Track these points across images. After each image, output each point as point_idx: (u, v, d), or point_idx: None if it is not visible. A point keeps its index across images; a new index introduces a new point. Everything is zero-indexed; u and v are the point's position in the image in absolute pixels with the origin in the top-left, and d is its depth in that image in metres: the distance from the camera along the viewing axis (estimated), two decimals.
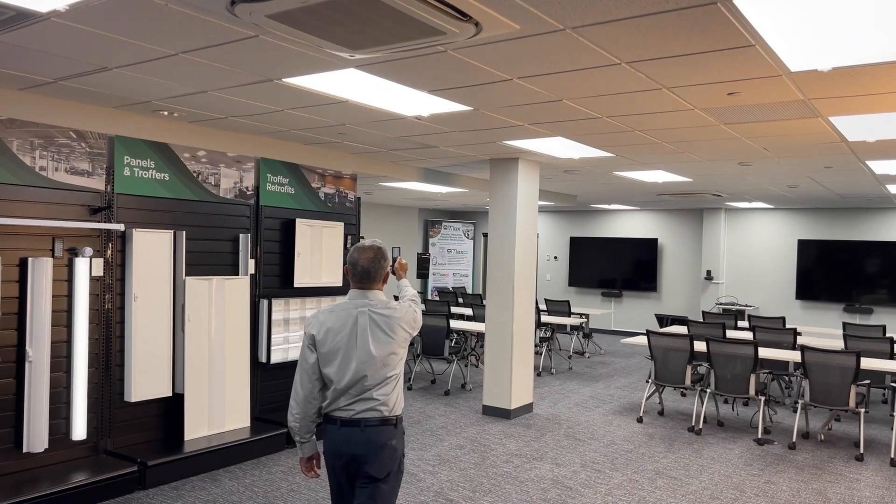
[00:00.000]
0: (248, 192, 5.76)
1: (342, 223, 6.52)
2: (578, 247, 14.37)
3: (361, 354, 2.54)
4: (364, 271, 2.59)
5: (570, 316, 10.64)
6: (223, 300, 5.36)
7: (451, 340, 8.05)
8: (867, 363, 5.86)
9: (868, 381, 5.98)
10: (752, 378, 6.14)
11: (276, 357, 5.91)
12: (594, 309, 13.83)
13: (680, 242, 13.34)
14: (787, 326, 7.87)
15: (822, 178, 7.57)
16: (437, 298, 12.82)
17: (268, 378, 5.97)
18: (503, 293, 6.80)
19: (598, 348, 11.65)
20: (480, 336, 8.41)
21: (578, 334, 11.21)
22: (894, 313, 11.08)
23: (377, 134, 5.63)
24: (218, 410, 5.30)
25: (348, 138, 5.86)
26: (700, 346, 6.58)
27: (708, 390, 6.47)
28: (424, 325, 7.82)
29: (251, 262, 5.75)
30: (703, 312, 9.62)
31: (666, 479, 5.08)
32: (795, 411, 6.38)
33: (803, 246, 11.86)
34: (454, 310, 10.59)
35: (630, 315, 13.84)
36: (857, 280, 11.36)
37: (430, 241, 15.21)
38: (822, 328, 10.42)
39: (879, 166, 6.54)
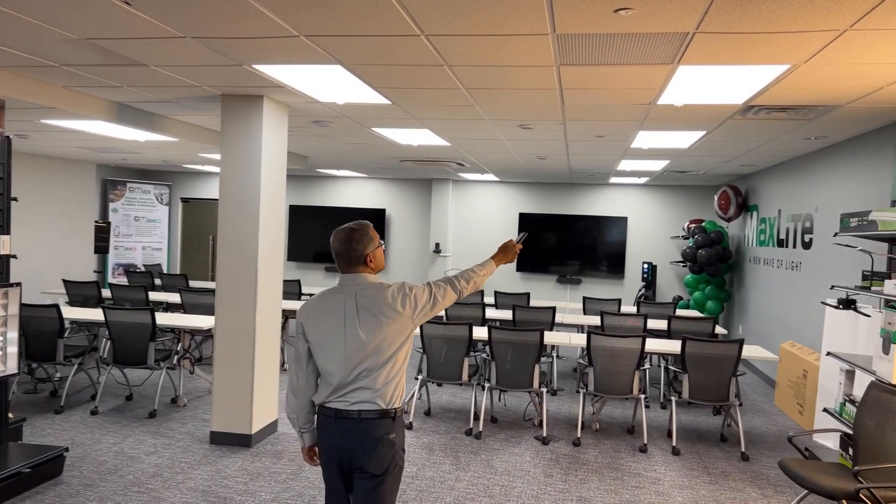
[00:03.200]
0: None
1: None
2: (299, 216, 12.80)
3: (351, 341, 2.42)
4: (336, 254, 2.49)
5: (300, 298, 9.12)
6: None
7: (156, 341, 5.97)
8: (653, 346, 5.57)
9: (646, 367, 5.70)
10: (536, 368, 5.45)
11: None
12: (321, 286, 12.47)
13: (408, 214, 12.65)
14: (545, 305, 7.48)
15: (578, 148, 7.24)
16: (126, 281, 10.16)
17: None
18: (242, 280, 5.05)
19: None
20: (196, 334, 6.43)
21: None
22: (601, 284, 11.84)
23: (44, 31, 3.44)
24: None
25: None
26: (481, 332, 5.69)
27: (487, 385, 5.62)
28: (116, 323, 5.63)
29: None
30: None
31: None
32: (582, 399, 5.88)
33: (524, 219, 12.03)
34: (153, 296, 8.28)
35: None
36: (570, 253, 11.88)
37: (111, 206, 12.23)
38: (562, 301, 10.59)
39: (646, 138, 6.32)
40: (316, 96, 4.92)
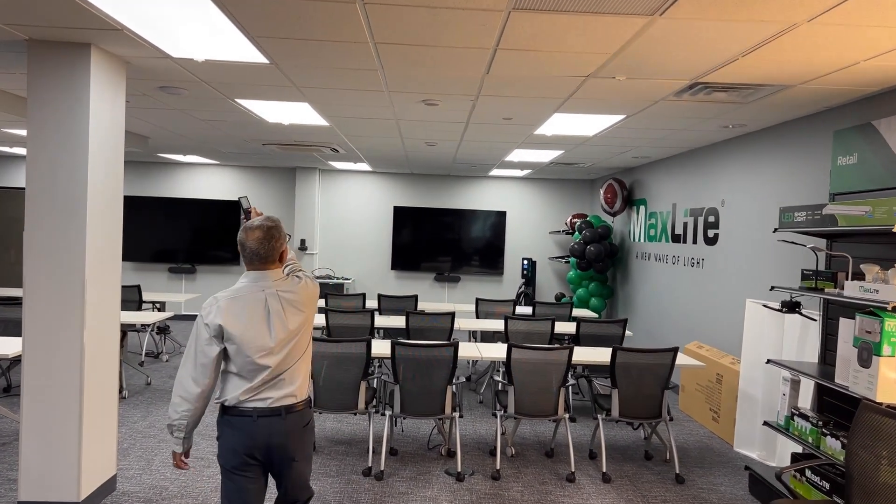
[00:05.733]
0: None
1: None
2: (135, 209, 10.97)
3: (281, 337, 2.44)
4: (253, 253, 2.45)
5: (140, 307, 7.58)
6: None
7: None
8: (580, 358, 4.89)
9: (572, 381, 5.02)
10: (448, 391, 4.58)
11: None
12: (165, 292, 10.80)
13: (268, 207, 11.27)
14: (441, 311, 6.63)
15: (476, 133, 6.46)
16: None
17: None
18: (62, 291, 3.70)
19: (178, 346, 8.80)
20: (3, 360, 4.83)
21: (152, 330, 8.20)
22: (480, 281, 11.23)
23: None
24: None
25: None
26: (384, 348, 4.71)
27: (388, 412, 4.66)
28: None
29: None
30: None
31: None
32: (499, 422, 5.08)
33: (399, 213, 11.14)
34: None
35: (210, 293, 11.20)
36: (448, 249, 11.16)
37: None
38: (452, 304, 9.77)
39: (555, 123, 5.66)
40: (166, 48, 3.68)
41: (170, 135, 7.39)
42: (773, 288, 4.16)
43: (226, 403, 2.44)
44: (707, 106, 4.77)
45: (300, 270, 2.67)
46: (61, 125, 3.67)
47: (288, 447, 2.46)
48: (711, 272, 6.50)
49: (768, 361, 4.39)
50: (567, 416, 4.71)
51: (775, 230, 4.24)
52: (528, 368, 4.59)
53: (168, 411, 2.44)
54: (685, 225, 7.18)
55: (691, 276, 6.96)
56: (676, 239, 7.42)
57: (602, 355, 5.14)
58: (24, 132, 7.48)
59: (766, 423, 4.36)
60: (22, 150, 9.81)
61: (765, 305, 4.78)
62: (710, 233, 6.55)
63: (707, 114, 5.05)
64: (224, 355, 2.43)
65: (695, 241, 6.91)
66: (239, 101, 5.19)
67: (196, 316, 10.94)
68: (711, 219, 6.54)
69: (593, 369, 5.85)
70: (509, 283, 11.28)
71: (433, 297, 11.27)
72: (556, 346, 4.67)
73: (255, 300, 2.42)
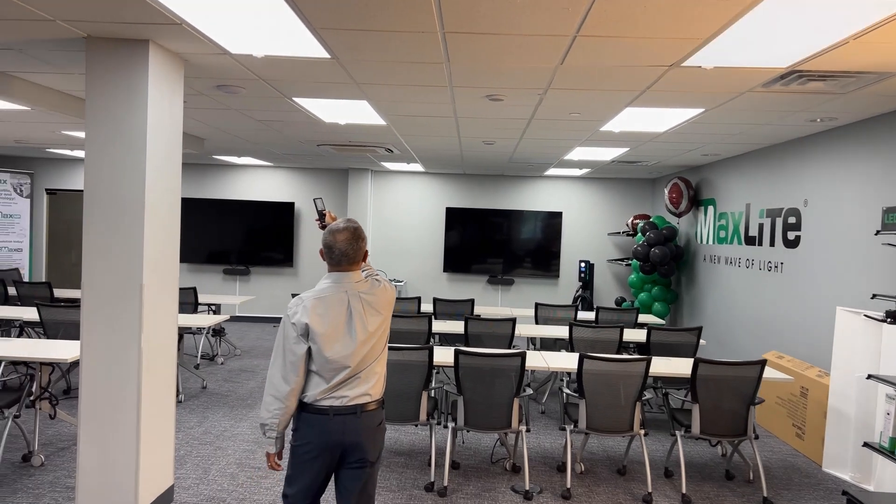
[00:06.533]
0: None
1: None
2: (191, 211, 11.04)
3: (361, 337, 2.50)
4: (342, 254, 2.52)
5: (196, 309, 7.55)
6: None
7: None
8: (657, 369, 4.57)
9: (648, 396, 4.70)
10: (515, 403, 4.32)
11: None
12: (219, 294, 10.85)
13: None
14: (504, 317, 6.36)
15: (539, 130, 6.18)
16: None
17: None
18: (120, 294, 3.59)
19: (233, 348, 8.77)
20: (60, 366, 4.75)
21: (207, 332, 8.18)
22: (535, 284, 10.92)
23: None
24: None
25: None
26: (444, 356, 4.48)
27: (451, 425, 4.42)
28: None
29: None
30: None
31: None
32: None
33: (451, 214, 10.91)
34: (3, 311, 6.46)
35: (264, 295, 11.19)
36: (501, 251, 10.88)
37: None
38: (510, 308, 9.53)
39: (625, 118, 5.33)
40: (225, 44, 3.53)
41: (225, 136, 7.33)
42: (874, 296, 3.78)
43: (304, 400, 2.50)
44: (797, 98, 4.38)
45: (376, 274, 2.68)
46: (119, 124, 3.55)
47: (362, 445, 2.51)
48: (792, 277, 6.06)
49: (869, 377, 3.98)
50: (643, 432, 4.39)
51: (878, 233, 3.84)
52: (602, 381, 4.29)
53: (260, 412, 2.50)
54: (761, 226, 6.74)
55: (769, 280, 6.52)
56: (750, 241, 6.98)
57: (678, 367, 4.80)
58: (84, 134, 7.53)
59: (866, 445, 3.96)
60: (80, 153, 9.96)
61: (866, 315, 4.36)
62: (791, 235, 6.11)
63: (796, 106, 4.66)
64: (309, 357, 2.49)
65: (772, 244, 6.47)
66: (296, 99, 5.03)
67: (253, 318, 10.95)
68: (792, 220, 6.10)
69: (667, 381, 5.50)
70: (565, 286, 10.93)
71: (487, 301, 11.01)
72: (632, 356, 4.36)
73: (338, 301, 2.49)
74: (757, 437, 4.40)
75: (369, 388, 2.53)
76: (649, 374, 4.46)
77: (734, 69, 3.72)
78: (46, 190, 11.34)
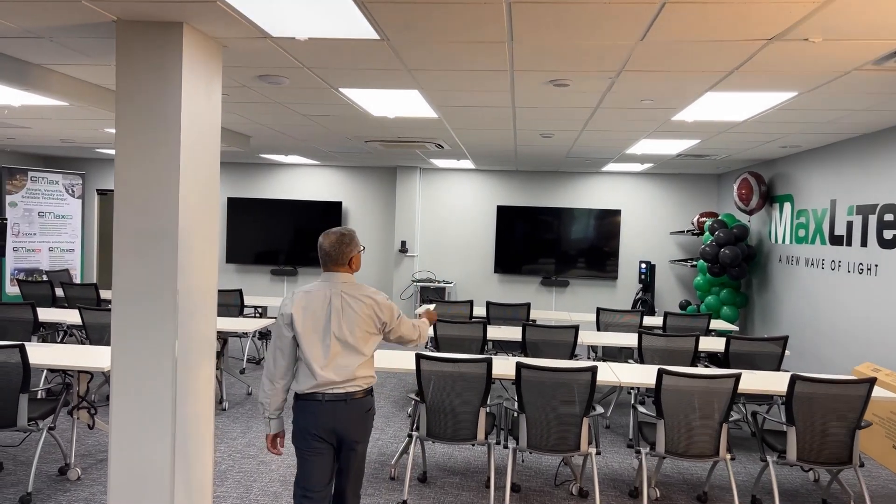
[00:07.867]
0: None
1: None
2: (238, 211, 10.89)
3: (338, 334, 2.74)
4: (325, 254, 2.82)
5: (242, 312, 7.31)
6: None
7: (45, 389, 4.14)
8: (746, 386, 4.06)
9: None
10: (585, 422, 3.87)
11: None
12: (267, 295, 10.66)
13: (369, 207, 10.90)
14: (567, 324, 5.91)
15: (603, 121, 5.70)
16: (18, 291, 8.09)
17: None
18: (154, 300, 3.29)
19: None
20: (95, 374, 4.49)
21: (253, 336, 7.94)
22: (591, 286, 10.39)
23: None
24: None
25: None
26: (504, 368, 4.07)
27: (512, 445, 4.00)
28: None
29: None
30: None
31: None
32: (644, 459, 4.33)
33: (502, 213, 10.47)
34: (48, 314, 6.32)
35: None
36: (555, 251, 10.38)
37: (8, 199, 10.08)
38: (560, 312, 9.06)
39: (703, 105, 4.82)
40: (265, 25, 3.19)
41: (271, 133, 7.07)
42: None
43: (297, 392, 2.79)
44: None
45: (376, 292, 2.88)
46: (152, 114, 3.25)
47: (350, 429, 2.77)
48: (890, 280, 5.43)
49: None
50: (729, 456, 3.89)
51: None
52: (684, 399, 3.81)
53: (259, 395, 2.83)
54: (849, 224, 6.11)
55: (860, 284, 5.89)
56: (836, 241, 6.34)
57: (766, 382, 4.27)
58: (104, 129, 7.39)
59: None
60: None
61: None
62: (887, 234, 5.48)
63: None
64: (297, 344, 2.77)
65: (863, 244, 5.84)
66: (343, 90, 4.69)
67: None
68: (888, 217, 5.47)
69: (751, 398, 4.96)
70: (624, 288, 10.37)
71: (540, 304, 10.53)
72: (721, 371, 3.86)
73: (321, 297, 2.77)
74: (862, 465, 3.85)
75: (357, 381, 2.76)
76: (750, 392, 3.95)
77: (845, 43, 3.20)
78: (97, 190, 11.36)
